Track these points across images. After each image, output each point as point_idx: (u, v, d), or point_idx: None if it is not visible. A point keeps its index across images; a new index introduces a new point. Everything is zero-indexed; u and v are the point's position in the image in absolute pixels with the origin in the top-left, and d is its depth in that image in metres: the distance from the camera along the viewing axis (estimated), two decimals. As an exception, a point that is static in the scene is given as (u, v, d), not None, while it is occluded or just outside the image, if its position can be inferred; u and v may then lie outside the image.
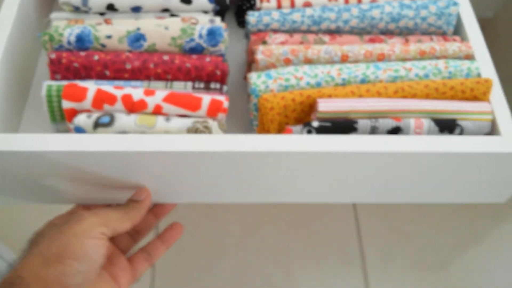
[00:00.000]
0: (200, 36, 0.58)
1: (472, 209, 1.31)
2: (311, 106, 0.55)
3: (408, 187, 0.56)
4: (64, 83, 0.56)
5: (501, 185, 0.55)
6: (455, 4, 0.62)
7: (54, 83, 0.56)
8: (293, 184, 0.55)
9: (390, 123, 0.52)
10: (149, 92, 0.54)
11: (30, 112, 0.63)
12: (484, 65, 0.59)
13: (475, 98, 0.55)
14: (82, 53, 0.57)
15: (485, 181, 0.54)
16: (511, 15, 1.39)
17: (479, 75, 0.58)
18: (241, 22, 0.74)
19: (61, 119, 0.58)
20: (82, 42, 0.58)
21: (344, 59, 0.59)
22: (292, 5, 0.62)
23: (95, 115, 0.53)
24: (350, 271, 1.22)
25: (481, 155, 0.49)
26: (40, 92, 0.63)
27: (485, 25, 1.51)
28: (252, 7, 0.71)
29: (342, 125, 0.52)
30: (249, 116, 0.63)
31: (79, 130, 0.53)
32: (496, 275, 1.23)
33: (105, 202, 0.57)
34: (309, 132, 0.52)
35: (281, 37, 0.61)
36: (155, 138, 0.49)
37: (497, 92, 0.56)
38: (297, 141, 0.49)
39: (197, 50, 0.59)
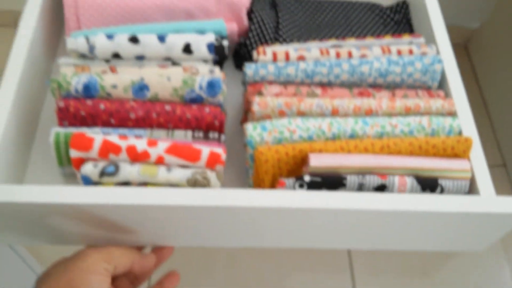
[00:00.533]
0: (200, 87, 0.62)
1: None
2: (303, 159, 0.59)
3: (392, 237, 0.60)
4: (71, 130, 0.59)
5: (480, 238, 0.59)
6: (440, 61, 0.66)
7: (61, 130, 0.59)
8: (285, 232, 0.59)
9: (376, 180, 0.56)
10: (152, 143, 0.57)
11: (37, 154, 0.66)
12: (466, 121, 0.63)
13: (455, 156, 0.60)
14: (89, 102, 0.60)
15: (464, 234, 0.58)
16: (497, 26, 1.45)
17: (460, 132, 0.62)
18: (239, 65, 0.78)
19: (67, 163, 0.61)
20: (89, 90, 0.61)
21: (334, 113, 0.63)
22: (287, 58, 0.66)
23: (101, 165, 0.56)
24: (339, 278, 1.28)
25: (461, 214, 0.53)
26: (46, 134, 0.66)
27: (472, 35, 1.56)
28: (249, 52, 0.75)
29: (332, 181, 0.56)
30: (245, 163, 0.66)
31: (85, 178, 0.56)
32: (477, 280, 1.29)
33: (108, 242, 0.61)
34: (301, 186, 0.56)
35: (276, 88, 0.65)
36: (155, 192, 0.52)
37: (477, 150, 0.60)
38: (290, 198, 0.53)
39: (197, 100, 0.63)
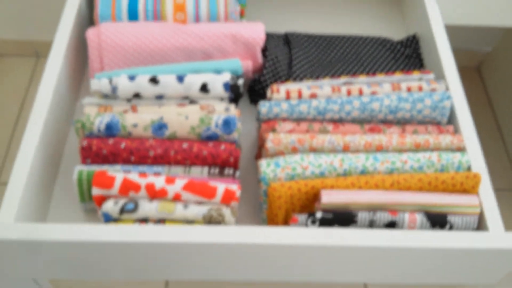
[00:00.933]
0: (216, 125, 0.65)
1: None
2: (315, 195, 0.61)
3: (406, 272, 0.61)
4: (94, 168, 0.62)
5: (491, 271, 0.60)
6: (449, 98, 0.68)
7: (84, 168, 0.62)
8: (299, 267, 0.61)
9: (387, 217, 0.57)
10: (170, 180, 0.60)
11: (60, 190, 0.69)
12: (475, 157, 0.64)
13: (464, 191, 0.61)
14: (111, 141, 0.64)
15: (476, 268, 0.59)
16: (509, 49, 1.47)
17: (469, 167, 0.63)
18: (253, 100, 0.81)
19: (89, 199, 0.64)
20: (110, 130, 0.64)
21: (346, 149, 0.65)
22: (300, 96, 0.69)
23: (121, 202, 0.59)
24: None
25: (470, 250, 0.54)
26: (68, 171, 0.69)
27: (485, 58, 1.57)
28: (263, 88, 0.78)
29: (343, 218, 0.58)
30: (258, 197, 0.68)
31: (106, 215, 0.59)
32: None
33: (125, 277, 0.63)
34: (313, 222, 0.58)
35: (289, 125, 0.67)
36: (173, 230, 0.55)
37: (486, 186, 0.61)
38: (303, 235, 0.55)
39: (213, 137, 0.66)
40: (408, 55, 0.87)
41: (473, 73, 1.67)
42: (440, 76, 0.76)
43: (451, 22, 0.92)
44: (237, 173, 0.64)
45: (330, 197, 0.59)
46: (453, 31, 0.90)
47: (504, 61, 1.50)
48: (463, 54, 1.54)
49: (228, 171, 0.64)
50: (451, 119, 0.70)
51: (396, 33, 0.93)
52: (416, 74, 0.73)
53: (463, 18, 0.92)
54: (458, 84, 0.72)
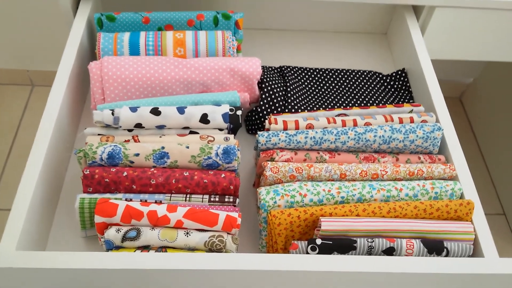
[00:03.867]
0: (217, 154, 0.67)
1: None
2: (314, 222, 0.62)
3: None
4: (95, 196, 0.63)
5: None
6: (440, 129, 0.71)
7: (86, 196, 0.63)
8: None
9: (385, 243, 0.59)
10: (171, 209, 0.61)
11: (60, 217, 0.69)
12: (467, 185, 0.67)
13: (459, 218, 0.63)
14: (113, 169, 0.65)
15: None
16: (489, 80, 1.55)
17: (462, 195, 0.65)
18: (250, 129, 0.83)
19: (90, 226, 0.65)
20: (113, 159, 0.65)
21: (342, 177, 0.67)
22: (297, 126, 0.71)
23: (123, 230, 0.59)
24: None
25: (467, 276, 0.55)
26: (68, 199, 0.70)
27: (466, 88, 1.64)
28: (260, 118, 0.81)
29: (343, 244, 0.59)
30: (258, 224, 0.69)
31: (108, 242, 0.59)
32: None
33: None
34: (313, 248, 0.59)
35: (287, 154, 0.69)
36: (175, 257, 0.55)
37: (479, 213, 0.64)
38: (303, 261, 0.56)
39: (213, 166, 0.67)
40: (398, 87, 0.91)
41: (456, 102, 1.74)
42: (428, 107, 0.79)
43: (436, 57, 0.97)
44: (237, 201, 0.65)
45: (330, 224, 0.60)
46: (436, 63, 0.95)
47: (485, 91, 1.58)
48: (446, 84, 1.62)
49: (228, 198, 0.65)
50: (442, 149, 0.73)
51: (384, 67, 0.97)
52: (407, 107, 0.76)
53: (448, 54, 0.97)
54: (447, 116, 0.75)
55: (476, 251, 0.61)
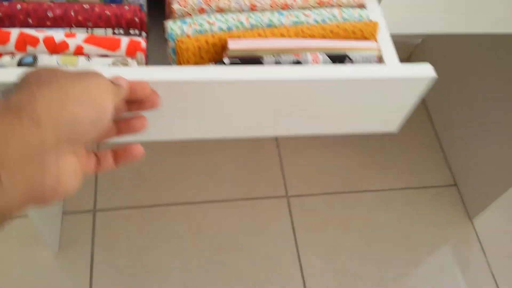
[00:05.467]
0: (119, -13, 0.63)
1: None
2: (223, 48, 0.61)
3: (313, 118, 0.64)
4: (-13, 30, 0.59)
5: (390, 112, 0.64)
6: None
7: (-24, 30, 0.58)
8: (208, 118, 0.61)
9: (292, 58, 0.59)
10: (70, 35, 0.57)
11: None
12: (373, 12, 0.68)
13: (364, 38, 0.64)
14: (5, 3, 0.60)
15: (376, 107, 0.63)
16: (437, 41, 1.54)
17: (368, 20, 0.66)
18: None
19: (-15, 64, 0.60)
20: (3, -8, 0.60)
21: (252, 8, 0.66)
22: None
23: (18, 56, 0.56)
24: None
25: (369, 80, 0.57)
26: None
27: (415, 50, 1.64)
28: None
29: (250, 61, 0.59)
30: (168, 61, 0.68)
31: (3, 70, 0.56)
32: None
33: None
34: (220, 67, 0.58)
35: (195, -11, 0.67)
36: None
37: (384, 34, 0.65)
38: (210, 71, 0.55)
39: (116, 0, 0.64)
40: None
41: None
42: None
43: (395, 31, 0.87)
44: (144, 34, 0.63)
45: (237, 44, 0.59)
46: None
47: (432, 52, 1.56)
48: (395, 45, 1.57)
49: (134, 31, 0.62)
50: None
51: None
52: None
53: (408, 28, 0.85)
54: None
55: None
